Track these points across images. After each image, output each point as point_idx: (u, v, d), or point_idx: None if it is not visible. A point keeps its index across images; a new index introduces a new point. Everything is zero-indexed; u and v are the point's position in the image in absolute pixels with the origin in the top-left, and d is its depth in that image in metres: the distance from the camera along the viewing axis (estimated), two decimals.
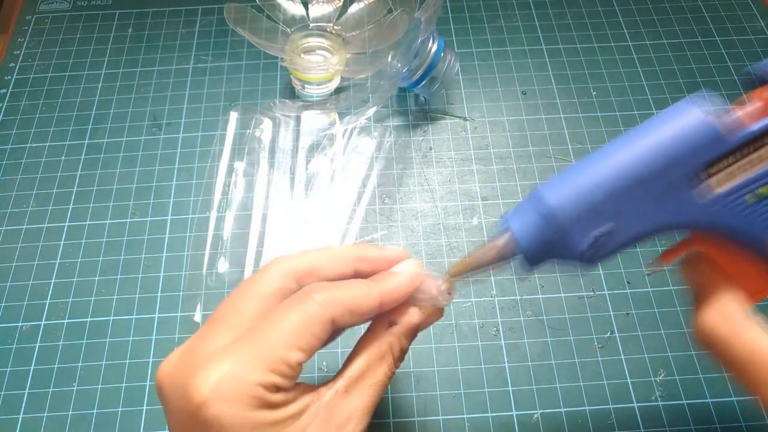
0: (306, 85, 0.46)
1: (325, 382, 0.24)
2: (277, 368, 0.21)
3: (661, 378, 0.35)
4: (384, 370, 0.25)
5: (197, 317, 0.37)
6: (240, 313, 0.23)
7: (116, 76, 0.49)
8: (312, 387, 0.24)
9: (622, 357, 0.36)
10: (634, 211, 0.22)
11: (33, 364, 0.36)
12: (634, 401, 0.34)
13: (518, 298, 0.38)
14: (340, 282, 0.24)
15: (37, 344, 0.37)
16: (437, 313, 0.27)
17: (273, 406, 0.21)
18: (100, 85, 0.48)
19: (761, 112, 0.22)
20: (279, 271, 0.24)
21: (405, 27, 0.43)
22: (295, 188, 0.42)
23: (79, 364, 0.36)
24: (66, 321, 0.37)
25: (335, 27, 0.46)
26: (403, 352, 0.26)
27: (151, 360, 0.36)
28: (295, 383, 0.23)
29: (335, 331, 0.24)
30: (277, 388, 0.21)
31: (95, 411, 0.35)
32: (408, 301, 0.26)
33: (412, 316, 0.26)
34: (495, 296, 0.38)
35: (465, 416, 0.34)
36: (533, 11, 0.52)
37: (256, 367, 0.21)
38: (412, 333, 0.26)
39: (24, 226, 0.41)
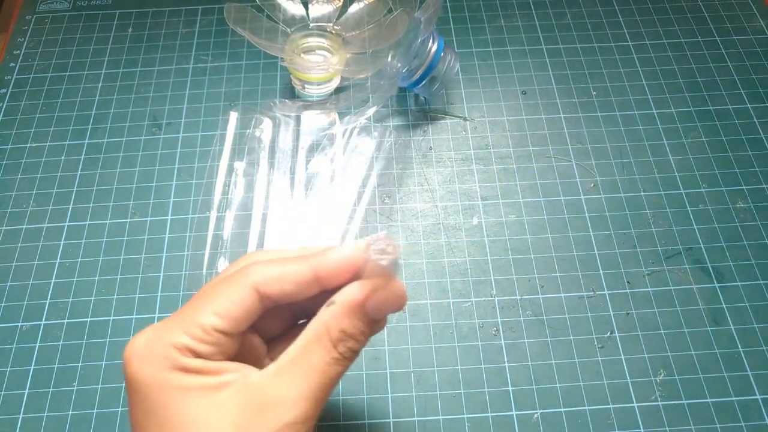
0: (306, 85, 0.46)
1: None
2: (190, 330, 0.21)
3: (661, 378, 0.35)
4: (320, 354, 0.22)
5: None
6: (198, 292, 0.24)
7: (116, 76, 0.49)
8: (243, 367, 0.22)
9: (622, 357, 0.36)
10: None
11: (33, 364, 0.36)
12: (634, 401, 0.34)
13: (518, 298, 0.38)
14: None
15: (37, 344, 0.37)
16: (387, 286, 0.23)
17: (186, 370, 0.21)
18: (100, 85, 0.48)
19: None
20: (244, 260, 0.24)
21: (405, 27, 0.43)
22: (295, 188, 0.42)
23: (79, 364, 0.36)
24: (66, 321, 0.37)
25: (335, 27, 0.46)
26: (346, 333, 0.23)
27: None
28: (222, 358, 0.22)
29: (273, 304, 0.23)
30: (192, 353, 0.21)
31: (95, 411, 0.35)
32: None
33: (351, 290, 0.23)
34: (495, 296, 0.38)
35: (465, 416, 0.34)
36: (533, 11, 0.52)
37: (171, 329, 0.22)
38: (355, 311, 0.23)
39: (24, 226, 0.41)
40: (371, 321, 0.23)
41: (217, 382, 0.21)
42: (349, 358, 0.23)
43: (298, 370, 0.22)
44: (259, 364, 0.24)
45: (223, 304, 0.22)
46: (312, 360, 0.22)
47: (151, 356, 0.21)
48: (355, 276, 0.23)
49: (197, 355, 0.21)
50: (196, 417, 0.21)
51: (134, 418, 0.22)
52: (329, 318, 0.23)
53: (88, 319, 0.37)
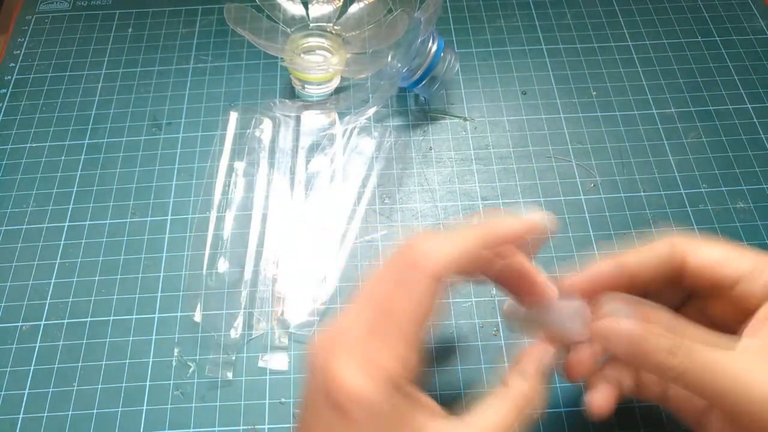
0: (306, 85, 0.46)
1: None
2: (397, 349, 0.21)
3: None
4: (512, 418, 0.24)
5: (197, 317, 0.37)
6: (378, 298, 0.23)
7: (116, 76, 0.49)
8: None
9: None
10: None
11: (33, 364, 0.36)
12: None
13: None
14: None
15: (37, 344, 0.37)
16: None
17: (406, 395, 0.21)
18: (100, 85, 0.48)
19: None
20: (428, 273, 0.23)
21: (405, 27, 0.43)
22: (295, 188, 0.42)
23: (79, 364, 0.36)
24: (66, 321, 0.37)
25: (335, 27, 0.46)
26: (535, 401, 0.25)
27: (151, 360, 0.36)
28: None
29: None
30: (404, 372, 0.21)
31: (95, 411, 0.35)
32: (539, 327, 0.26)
33: (539, 362, 0.25)
34: (495, 296, 0.38)
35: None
36: (533, 11, 0.52)
37: (378, 347, 0.21)
38: (540, 384, 0.25)
39: (24, 226, 0.41)
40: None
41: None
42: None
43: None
44: None
45: (414, 311, 0.21)
46: (506, 423, 0.23)
47: (370, 374, 0.20)
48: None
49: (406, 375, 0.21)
50: None
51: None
52: (531, 388, 0.25)
53: (88, 319, 0.37)
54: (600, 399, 0.26)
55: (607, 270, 0.27)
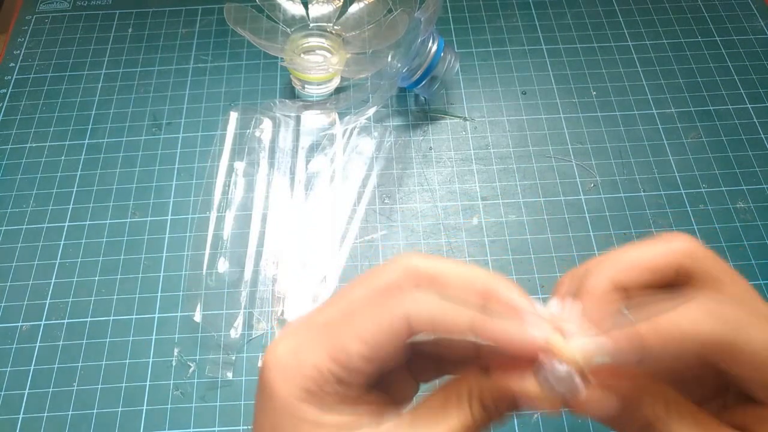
0: (306, 85, 0.46)
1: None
2: (335, 354, 0.20)
3: None
4: (458, 416, 0.20)
5: (197, 317, 0.37)
6: (347, 298, 0.22)
7: (116, 76, 0.49)
8: (378, 409, 0.21)
9: None
10: None
11: (33, 364, 0.36)
12: None
13: None
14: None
15: (37, 344, 0.37)
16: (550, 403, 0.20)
17: (323, 399, 0.20)
18: (100, 85, 0.48)
19: None
20: (402, 266, 0.22)
21: (405, 27, 0.43)
22: (295, 188, 0.42)
23: (79, 364, 0.36)
24: (66, 321, 0.37)
25: (335, 27, 0.46)
26: (488, 410, 0.21)
27: (151, 360, 0.36)
28: (359, 391, 0.21)
29: (413, 348, 0.21)
30: (334, 378, 0.20)
31: (95, 411, 0.35)
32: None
33: (512, 379, 0.20)
34: None
35: None
36: (533, 11, 0.52)
37: (314, 348, 0.20)
38: (505, 394, 0.21)
39: (24, 226, 0.41)
40: (511, 403, 0.21)
41: (349, 421, 0.20)
42: (485, 426, 0.21)
43: (432, 426, 0.20)
44: (405, 403, 0.23)
45: (370, 329, 0.20)
46: (448, 419, 0.20)
47: (293, 372, 0.20)
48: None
49: (338, 381, 0.20)
50: None
51: (259, 424, 0.21)
52: (476, 385, 0.21)
53: (88, 319, 0.37)
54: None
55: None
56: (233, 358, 0.36)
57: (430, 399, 0.21)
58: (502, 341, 0.20)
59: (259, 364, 0.36)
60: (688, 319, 0.18)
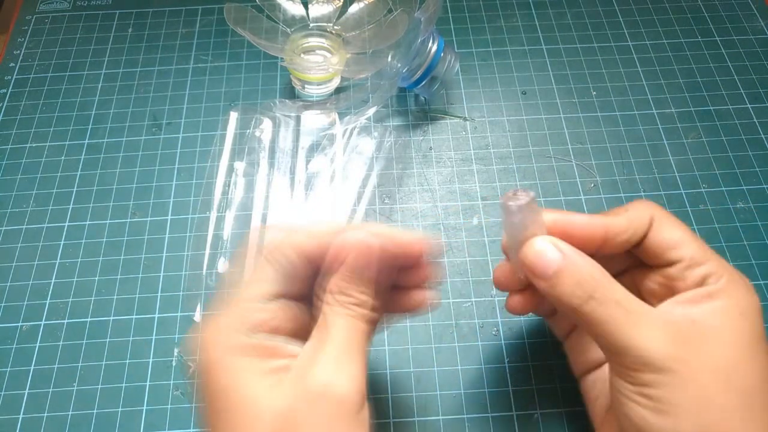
0: (306, 85, 0.46)
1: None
2: (243, 309, 0.24)
3: None
4: (336, 315, 0.24)
5: (197, 317, 0.37)
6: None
7: (116, 76, 0.49)
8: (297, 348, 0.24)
9: None
10: None
11: (33, 364, 0.36)
12: None
13: None
14: None
15: (37, 344, 0.37)
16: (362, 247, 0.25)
17: (245, 350, 0.23)
18: (100, 85, 0.48)
19: None
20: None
21: (405, 27, 0.43)
22: (295, 188, 0.42)
23: (79, 364, 0.36)
24: (66, 321, 0.37)
25: (335, 27, 0.46)
26: (343, 288, 0.25)
27: (151, 360, 0.36)
28: (279, 332, 0.24)
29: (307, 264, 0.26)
30: (250, 327, 0.24)
31: (95, 411, 0.35)
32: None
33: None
34: (495, 296, 0.38)
35: (465, 416, 0.34)
36: (533, 11, 0.52)
37: (229, 312, 0.25)
38: (345, 269, 0.25)
39: (24, 226, 0.41)
40: (362, 275, 0.25)
41: (274, 366, 0.23)
42: (361, 312, 0.25)
43: (323, 341, 0.24)
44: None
45: (264, 269, 0.25)
46: (330, 325, 0.24)
47: (216, 341, 0.24)
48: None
49: (254, 327, 0.24)
50: (254, 396, 0.22)
51: (202, 402, 0.24)
52: (329, 284, 0.25)
53: (88, 319, 0.37)
54: (514, 302, 0.30)
55: (587, 222, 0.27)
56: None
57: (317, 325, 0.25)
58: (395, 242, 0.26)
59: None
60: (634, 218, 0.27)
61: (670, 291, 0.26)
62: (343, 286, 0.25)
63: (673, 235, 0.26)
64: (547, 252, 0.26)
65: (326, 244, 0.25)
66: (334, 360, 0.23)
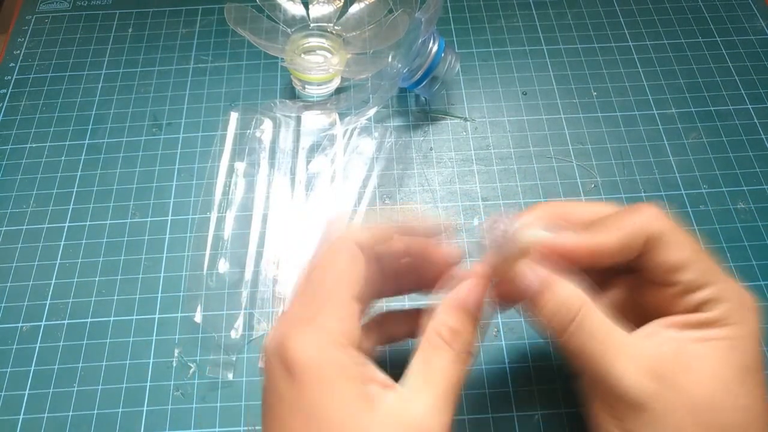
0: (306, 86, 0.45)
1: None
2: (336, 312, 0.23)
3: None
4: (440, 359, 0.24)
5: (197, 318, 0.37)
6: (310, 281, 0.25)
7: (116, 76, 0.49)
8: (386, 379, 0.23)
9: None
10: None
11: (33, 364, 0.36)
12: None
13: None
14: None
15: (38, 345, 0.37)
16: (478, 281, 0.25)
17: (364, 379, 0.22)
18: (100, 85, 0.48)
19: None
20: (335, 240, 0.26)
21: (405, 27, 0.43)
22: (296, 189, 0.42)
23: (80, 365, 0.36)
24: (66, 322, 0.37)
25: (335, 27, 0.46)
26: (455, 330, 0.24)
27: (151, 361, 0.36)
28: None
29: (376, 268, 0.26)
30: (350, 342, 0.23)
31: (95, 412, 0.35)
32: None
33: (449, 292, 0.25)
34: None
35: (465, 416, 0.34)
36: (534, 11, 0.52)
37: (329, 327, 0.23)
38: (454, 308, 0.25)
39: (24, 227, 0.41)
40: (471, 315, 0.25)
41: (370, 393, 0.22)
42: (466, 353, 0.24)
43: (428, 383, 0.23)
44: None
45: (344, 270, 0.24)
46: (435, 368, 0.23)
47: (312, 354, 0.22)
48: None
49: (353, 342, 0.23)
50: (353, 416, 0.21)
51: (285, 410, 0.22)
52: (435, 322, 0.24)
53: (89, 319, 0.37)
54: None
55: (573, 245, 0.26)
56: (234, 358, 0.36)
57: (413, 363, 0.24)
58: (419, 229, 0.26)
59: (260, 364, 0.36)
60: (631, 231, 0.25)
61: (666, 307, 0.25)
62: (455, 327, 0.24)
63: (673, 257, 0.25)
64: (526, 275, 0.25)
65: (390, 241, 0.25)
66: (434, 407, 0.22)
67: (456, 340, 0.24)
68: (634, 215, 0.26)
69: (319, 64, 0.45)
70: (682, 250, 0.25)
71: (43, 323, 0.37)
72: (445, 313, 0.25)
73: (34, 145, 0.45)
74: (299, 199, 0.42)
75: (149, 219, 0.41)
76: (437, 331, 0.24)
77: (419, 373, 0.23)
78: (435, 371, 0.23)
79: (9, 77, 0.49)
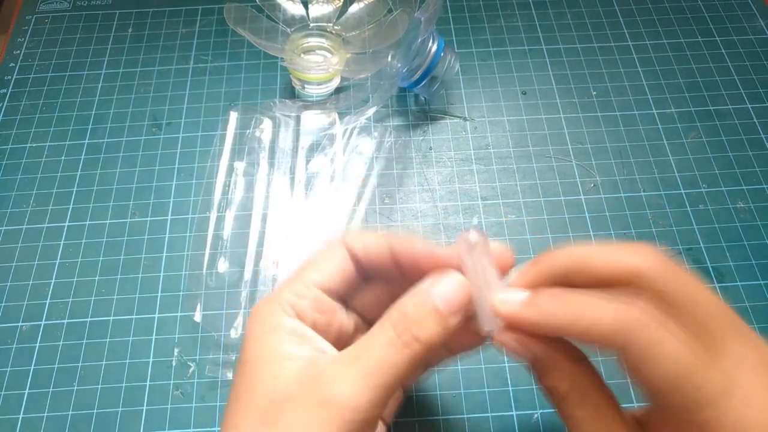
0: (306, 85, 0.46)
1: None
2: (294, 287, 0.25)
3: None
4: (380, 338, 0.22)
5: (197, 317, 0.37)
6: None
7: (116, 76, 0.49)
8: (327, 347, 0.24)
9: None
10: None
11: (33, 364, 0.36)
12: (634, 401, 0.34)
13: None
14: None
15: (37, 344, 0.37)
16: (471, 338, 0.25)
17: (283, 329, 0.23)
18: (100, 85, 0.48)
19: None
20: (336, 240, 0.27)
21: (405, 27, 0.43)
22: (295, 188, 0.42)
23: (79, 364, 0.36)
24: (66, 321, 0.37)
25: (335, 27, 0.46)
26: (406, 316, 0.22)
27: (151, 360, 0.36)
28: (320, 326, 0.24)
29: (362, 275, 0.26)
30: (294, 309, 0.24)
31: (95, 411, 0.35)
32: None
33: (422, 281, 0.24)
34: None
35: (465, 416, 0.34)
36: (533, 11, 0.52)
37: (281, 290, 0.25)
38: (420, 296, 0.23)
39: (24, 226, 0.41)
40: (440, 314, 0.23)
41: (305, 352, 0.23)
42: (409, 346, 0.22)
43: (354, 358, 0.22)
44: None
45: (321, 261, 0.25)
46: (369, 344, 0.22)
47: (262, 316, 0.24)
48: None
49: (298, 312, 0.24)
50: (274, 378, 0.22)
51: (237, 368, 0.24)
52: (395, 304, 0.23)
53: (88, 319, 0.37)
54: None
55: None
56: (233, 358, 0.36)
57: (363, 338, 0.24)
58: (415, 252, 0.25)
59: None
60: (596, 312, 0.21)
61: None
62: (406, 311, 0.23)
63: (669, 368, 0.20)
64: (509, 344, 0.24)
65: (385, 252, 0.25)
66: (349, 379, 0.21)
67: (401, 324, 0.22)
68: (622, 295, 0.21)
69: (319, 64, 0.45)
70: (672, 363, 0.20)
71: (42, 322, 0.37)
72: (407, 296, 0.23)
73: (33, 145, 0.45)
74: (299, 198, 0.42)
75: (149, 218, 0.41)
76: (389, 312, 0.23)
77: (355, 345, 0.23)
78: (367, 347, 0.22)
79: (9, 77, 0.49)
